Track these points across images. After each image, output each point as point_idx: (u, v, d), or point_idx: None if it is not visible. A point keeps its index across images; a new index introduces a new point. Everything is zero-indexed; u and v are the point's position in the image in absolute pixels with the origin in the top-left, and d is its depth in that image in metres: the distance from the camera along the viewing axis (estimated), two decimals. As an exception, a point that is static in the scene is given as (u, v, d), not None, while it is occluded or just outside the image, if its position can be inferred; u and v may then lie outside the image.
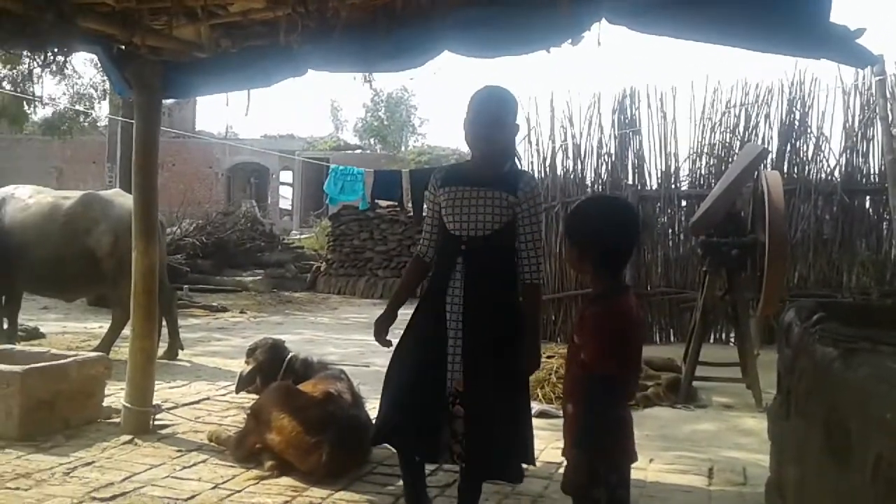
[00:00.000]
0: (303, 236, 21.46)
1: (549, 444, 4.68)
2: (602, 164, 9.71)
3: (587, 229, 2.44)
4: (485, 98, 3.16)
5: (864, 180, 9.05)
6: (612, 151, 9.66)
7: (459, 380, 3.06)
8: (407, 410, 3.13)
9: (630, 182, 9.62)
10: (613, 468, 2.38)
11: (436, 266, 3.29)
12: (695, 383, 6.25)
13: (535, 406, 5.68)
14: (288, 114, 73.63)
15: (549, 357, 6.45)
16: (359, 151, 32.26)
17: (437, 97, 62.48)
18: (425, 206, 3.48)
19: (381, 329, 3.33)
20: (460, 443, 3.05)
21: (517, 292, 3.20)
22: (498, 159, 3.19)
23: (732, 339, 7.97)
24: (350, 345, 8.68)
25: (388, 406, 3.22)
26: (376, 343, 3.37)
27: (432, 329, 3.13)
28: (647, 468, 4.26)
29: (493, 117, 3.13)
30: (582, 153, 9.75)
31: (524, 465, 3.20)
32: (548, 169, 9.88)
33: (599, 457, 2.32)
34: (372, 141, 37.76)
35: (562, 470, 4.02)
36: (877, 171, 8.91)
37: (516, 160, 3.32)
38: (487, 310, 3.09)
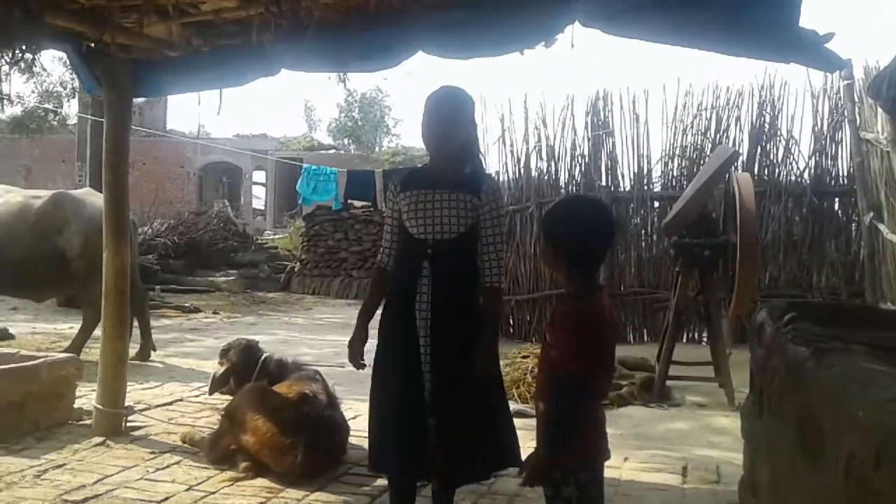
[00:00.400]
0: (276, 236, 21.35)
1: (524, 443, 4.67)
2: (576, 165, 9.75)
3: (562, 229, 2.44)
4: (440, 98, 3.12)
5: (833, 182, 9.17)
6: (586, 153, 9.70)
7: (429, 389, 3.05)
8: (396, 435, 3.08)
9: (603, 183, 9.67)
10: (584, 467, 2.39)
11: (400, 272, 3.21)
12: (668, 382, 6.31)
13: (511, 406, 5.70)
14: (261, 113, 73.42)
15: (524, 357, 6.48)
16: (332, 151, 32.16)
17: (411, 98, 62.49)
18: (385, 213, 3.40)
19: (355, 352, 3.24)
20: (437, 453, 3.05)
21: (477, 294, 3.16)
22: (457, 160, 3.15)
23: (705, 339, 8.02)
24: (325, 345, 8.64)
25: (378, 433, 3.17)
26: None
27: (405, 341, 3.08)
28: (621, 467, 4.29)
29: (448, 116, 3.09)
30: (556, 154, 9.79)
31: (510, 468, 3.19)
32: (522, 170, 9.91)
33: (568, 455, 2.33)
34: (346, 141, 37.67)
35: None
36: (845, 174, 9.03)
37: (481, 161, 3.29)
38: (456, 314, 3.06)
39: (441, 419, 3.02)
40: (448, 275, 3.07)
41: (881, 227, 7.89)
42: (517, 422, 5.33)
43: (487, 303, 3.15)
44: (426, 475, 3.19)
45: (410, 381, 3.05)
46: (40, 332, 8.86)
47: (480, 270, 3.12)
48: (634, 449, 4.71)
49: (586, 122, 9.70)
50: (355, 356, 3.24)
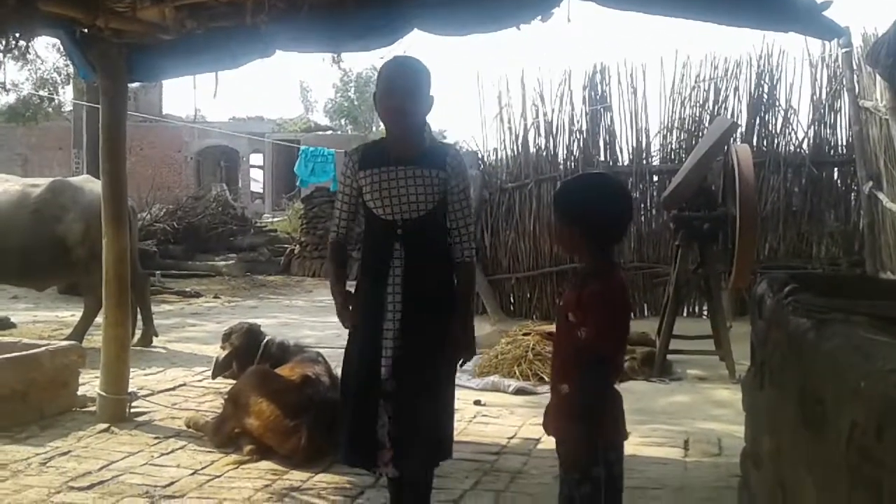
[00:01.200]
0: (275, 219, 21.31)
1: (526, 420, 4.72)
2: (574, 140, 9.71)
3: (583, 208, 2.39)
4: (398, 69, 2.97)
5: (832, 152, 9.15)
6: (584, 128, 9.66)
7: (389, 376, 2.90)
8: (353, 425, 2.96)
9: (602, 158, 9.64)
10: (611, 447, 2.39)
11: (369, 255, 3.06)
12: (669, 357, 6.32)
13: (513, 383, 5.73)
14: (257, 96, 72.96)
15: (525, 334, 6.48)
16: (329, 132, 32.02)
17: (407, 76, 61.94)
18: (339, 186, 3.20)
19: (345, 316, 3.05)
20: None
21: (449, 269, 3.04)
22: (417, 134, 3.02)
23: (706, 313, 8.04)
24: (326, 327, 8.65)
25: (344, 423, 3.04)
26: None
27: (375, 326, 2.93)
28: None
29: (409, 89, 2.92)
30: (554, 130, 9.74)
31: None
32: (520, 146, 9.87)
33: (598, 435, 2.32)
34: (342, 122, 37.50)
35: (541, 446, 4.08)
36: (844, 143, 9.00)
37: (431, 133, 3.15)
38: (430, 295, 2.93)
39: (401, 406, 2.87)
40: (421, 255, 2.94)
41: (880, 196, 7.87)
42: (519, 399, 5.43)
43: (462, 279, 3.04)
44: (371, 466, 3.01)
45: (370, 374, 2.91)
46: (42, 320, 8.88)
47: (451, 246, 3.01)
48: (636, 424, 4.71)
49: (584, 97, 9.65)
50: (347, 319, 3.04)
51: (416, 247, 2.94)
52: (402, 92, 2.91)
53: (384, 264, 2.94)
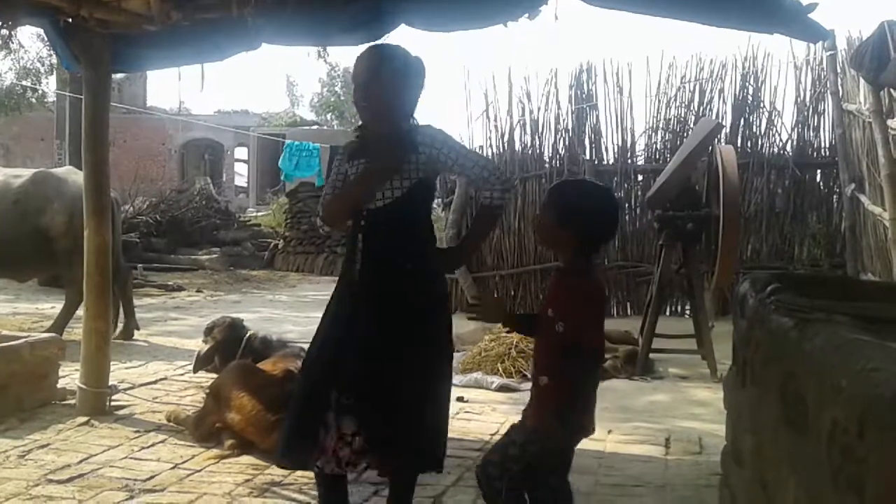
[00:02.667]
0: (259, 213, 21.23)
1: (509, 417, 4.70)
2: (559, 139, 9.74)
3: (582, 214, 2.46)
4: (384, 61, 2.81)
5: (815, 154, 9.23)
6: (570, 127, 9.69)
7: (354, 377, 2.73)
8: (295, 422, 2.83)
9: (587, 157, 9.66)
10: (574, 441, 2.47)
11: (345, 249, 2.93)
12: (652, 355, 6.35)
13: (496, 380, 5.73)
14: (242, 89, 72.59)
15: (508, 331, 6.48)
16: (315, 127, 31.87)
17: (393, 72, 61.78)
18: (332, 176, 3.04)
19: (382, 176, 2.81)
20: (349, 445, 2.69)
21: (431, 260, 2.88)
22: (399, 126, 2.86)
23: (688, 312, 8.09)
24: (309, 322, 8.57)
25: (292, 418, 2.88)
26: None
27: (336, 329, 2.81)
28: (605, 439, 4.32)
29: (396, 83, 2.79)
30: (539, 128, 9.77)
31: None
32: (506, 144, 9.89)
33: (576, 429, 2.41)
34: (329, 116, 37.36)
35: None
36: (827, 145, 9.09)
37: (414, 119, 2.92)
38: (390, 293, 2.73)
39: (378, 410, 2.72)
40: (382, 248, 2.77)
41: (862, 198, 7.93)
42: (502, 396, 5.43)
43: (477, 216, 2.92)
44: (302, 465, 2.92)
45: (324, 371, 2.77)
46: (22, 312, 8.80)
47: (481, 192, 2.91)
48: (618, 421, 4.75)
49: (570, 96, 9.69)
50: (384, 174, 2.80)
51: (375, 240, 2.78)
52: (391, 87, 2.79)
53: (350, 261, 2.83)
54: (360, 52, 2.92)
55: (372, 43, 3.25)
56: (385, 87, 2.80)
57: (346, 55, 48.78)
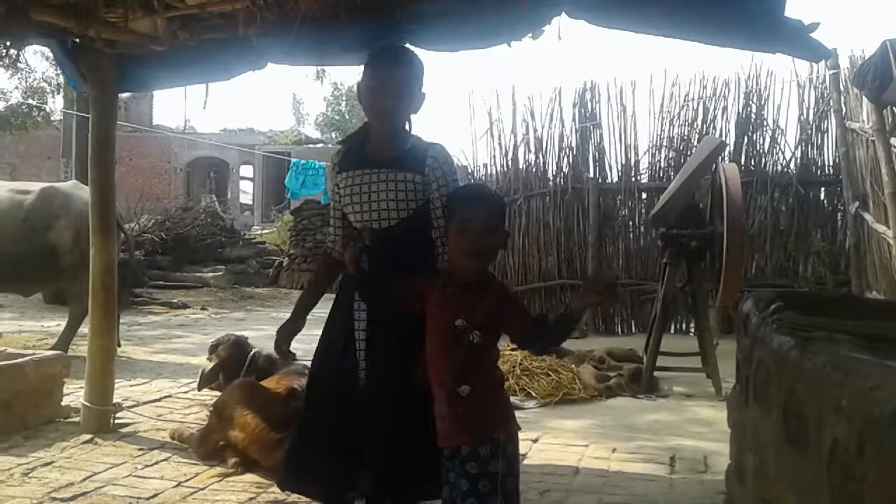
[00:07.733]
0: (264, 231, 21.28)
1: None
2: (563, 157, 9.79)
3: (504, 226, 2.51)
4: (391, 63, 2.73)
5: (818, 172, 9.24)
6: (574, 145, 9.73)
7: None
8: (320, 453, 2.74)
9: (591, 175, 9.70)
10: (510, 438, 2.49)
11: (346, 269, 2.71)
12: (656, 373, 6.33)
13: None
14: (248, 107, 72.95)
15: (513, 349, 6.48)
16: (320, 145, 32.03)
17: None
18: (330, 195, 2.94)
19: (283, 340, 2.96)
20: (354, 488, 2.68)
21: None
22: (399, 133, 2.76)
23: (693, 330, 8.07)
24: (313, 340, 8.60)
25: (298, 445, 2.84)
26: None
27: (341, 355, 2.76)
28: (609, 457, 4.31)
29: (401, 87, 2.69)
30: (543, 146, 9.82)
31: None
32: (510, 162, 9.93)
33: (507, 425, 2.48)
34: (334, 135, 37.52)
35: (527, 461, 4.08)
36: (831, 163, 9.10)
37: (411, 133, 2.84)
38: (396, 316, 2.58)
39: (378, 440, 2.64)
40: (388, 269, 2.59)
41: (866, 216, 7.93)
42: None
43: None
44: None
45: (345, 404, 2.70)
46: (27, 329, 8.82)
47: (435, 257, 2.68)
48: (622, 440, 4.73)
49: (574, 114, 9.74)
50: (282, 343, 2.96)
51: (382, 260, 2.64)
52: (396, 91, 2.70)
53: (353, 280, 2.68)
54: (372, 52, 2.85)
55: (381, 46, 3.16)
56: (401, 85, 2.72)
57: (352, 74, 48.95)
